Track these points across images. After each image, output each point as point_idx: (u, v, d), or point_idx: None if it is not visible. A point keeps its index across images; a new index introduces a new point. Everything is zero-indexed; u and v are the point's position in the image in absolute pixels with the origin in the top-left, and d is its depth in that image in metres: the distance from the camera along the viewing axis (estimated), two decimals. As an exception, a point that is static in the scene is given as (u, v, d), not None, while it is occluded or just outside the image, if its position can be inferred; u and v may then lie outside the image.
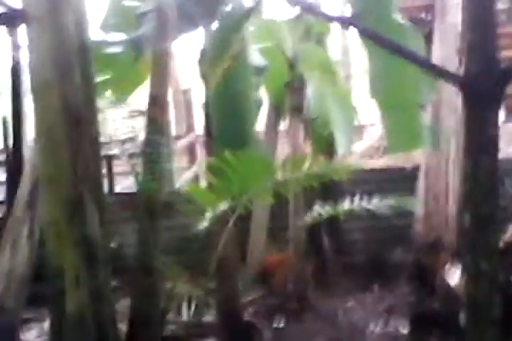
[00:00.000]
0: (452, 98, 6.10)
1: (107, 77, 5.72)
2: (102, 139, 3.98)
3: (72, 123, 3.50)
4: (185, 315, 6.06)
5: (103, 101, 6.44)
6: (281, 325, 6.10)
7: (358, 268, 7.15)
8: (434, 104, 6.22)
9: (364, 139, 10.98)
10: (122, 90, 6.17)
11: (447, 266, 5.97)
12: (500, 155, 3.06)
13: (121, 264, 4.23)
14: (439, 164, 6.41)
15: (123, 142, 7.44)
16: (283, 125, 7.19)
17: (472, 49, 3.01)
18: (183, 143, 10.37)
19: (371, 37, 3.42)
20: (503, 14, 5.73)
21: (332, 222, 6.94)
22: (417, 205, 6.42)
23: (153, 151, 4.32)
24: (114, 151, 7.38)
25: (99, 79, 5.04)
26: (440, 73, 3.28)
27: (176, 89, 11.67)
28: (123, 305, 4.57)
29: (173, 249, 4.94)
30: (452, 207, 6.39)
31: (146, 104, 4.49)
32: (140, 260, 4.20)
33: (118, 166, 8.36)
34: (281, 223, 6.61)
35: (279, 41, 6.20)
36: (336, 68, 7.13)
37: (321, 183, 4.64)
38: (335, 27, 7.42)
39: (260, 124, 6.85)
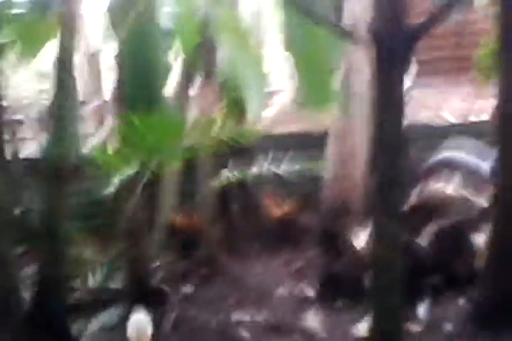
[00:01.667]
0: (362, 62, 6.13)
1: (11, 38, 5.54)
2: (5, 103, 3.88)
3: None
4: (92, 281, 6.01)
5: (6, 63, 6.24)
6: (190, 290, 6.11)
7: (267, 232, 7.20)
8: (345, 68, 6.24)
9: (275, 105, 10.99)
10: (27, 52, 5.99)
11: (354, 230, 6.07)
12: (411, 120, 3.11)
13: (28, 230, 4.16)
14: (347, 129, 6.45)
15: (28, 106, 7.24)
16: (194, 89, 7.12)
17: (380, 10, 3.03)
18: (90, 107, 10.15)
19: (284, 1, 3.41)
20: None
21: (241, 187, 6.95)
22: (326, 170, 6.48)
23: (59, 116, 4.23)
24: (19, 116, 7.18)
25: (2, 40, 4.88)
26: (349, 35, 3.29)
27: (84, 52, 11.40)
28: (29, 271, 4.50)
29: (80, 214, 4.87)
30: (360, 171, 6.47)
31: (53, 67, 4.38)
32: (46, 225, 4.12)
33: (23, 131, 8.16)
34: (191, 188, 6.60)
35: (191, 4, 6.11)
36: (248, 33, 7.09)
37: (231, 148, 4.63)
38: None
39: (170, 88, 6.77)
